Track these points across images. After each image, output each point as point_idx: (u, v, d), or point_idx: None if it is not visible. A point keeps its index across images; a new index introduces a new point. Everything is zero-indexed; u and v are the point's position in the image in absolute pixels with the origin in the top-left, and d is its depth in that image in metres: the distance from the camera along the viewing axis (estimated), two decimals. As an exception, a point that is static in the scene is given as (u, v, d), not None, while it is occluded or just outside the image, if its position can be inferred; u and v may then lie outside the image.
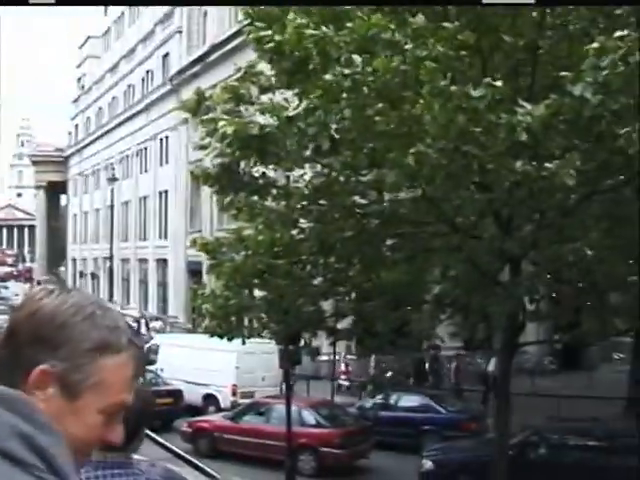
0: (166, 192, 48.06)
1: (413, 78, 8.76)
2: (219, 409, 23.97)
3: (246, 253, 13.03)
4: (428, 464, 16.92)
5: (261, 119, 11.42)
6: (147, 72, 54.16)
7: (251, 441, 19.70)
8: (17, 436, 1.16)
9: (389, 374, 27.70)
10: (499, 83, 8.46)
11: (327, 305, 15.19)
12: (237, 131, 10.48)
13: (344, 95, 9.10)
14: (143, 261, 52.37)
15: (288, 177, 13.83)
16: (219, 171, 12.49)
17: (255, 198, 12.93)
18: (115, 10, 64.97)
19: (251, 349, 22.39)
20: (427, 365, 27.13)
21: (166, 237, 47.61)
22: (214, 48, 40.73)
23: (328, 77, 9.04)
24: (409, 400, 21.69)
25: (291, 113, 10.05)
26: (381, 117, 9.03)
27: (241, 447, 19.85)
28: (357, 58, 8.96)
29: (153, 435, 18.88)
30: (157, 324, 38.29)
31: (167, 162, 48.24)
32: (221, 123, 10.88)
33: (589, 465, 15.09)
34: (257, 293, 13.99)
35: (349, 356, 28.68)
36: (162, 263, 48.51)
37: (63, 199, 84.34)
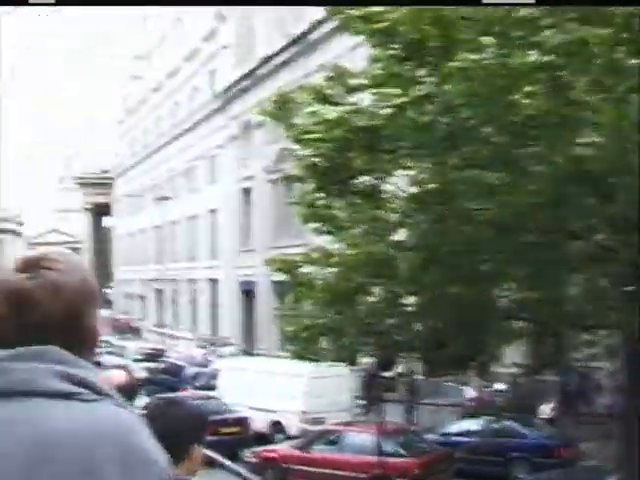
0: (216, 211, 46.98)
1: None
2: (287, 437, 22.63)
3: (334, 269, 11.73)
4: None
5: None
6: (194, 89, 53.37)
7: (322, 472, 18.33)
8: (56, 376, 1.42)
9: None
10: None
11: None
12: (342, 119, 9.16)
13: (471, 82, 7.79)
14: (193, 281, 51.28)
15: (392, 179, 12.45)
16: (320, 166, 11.11)
17: (355, 201, 11.51)
18: (158, 30, 64.52)
19: (321, 372, 21.09)
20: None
21: (217, 257, 46.46)
22: (262, 62, 39.70)
23: (457, 62, 7.73)
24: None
25: (401, 101, 8.74)
26: (531, 100, 7.63)
27: (311, 478, 18.52)
28: (487, 40, 7.66)
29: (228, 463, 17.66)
30: (228, 349, 36.60)
31: (216, 180, 47.19)
32: (324, 112, 9.55)
33: None
34: (344, 313, 12.68)
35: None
36: (213, 283, 47.36)
37: (109, 220, 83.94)
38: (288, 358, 30.33)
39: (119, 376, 4.44)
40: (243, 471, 18.00)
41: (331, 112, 9.36)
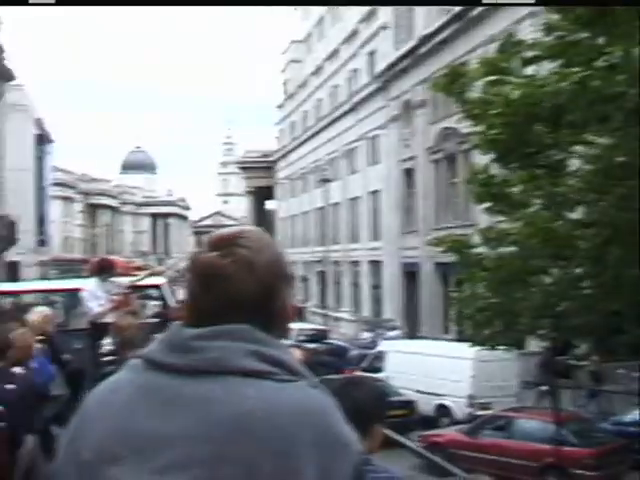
0: (377, 192, 46.87)
1: None
2: (453, 421, 22.25)
3: (510, 249, 11.26)
4: None
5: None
6: (353, 71, 53.37)
7: (491, 459, 17.83)
8: (249, 355, 1.43)
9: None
10: None
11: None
12: (526, 95, 8.70)
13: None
14: (355, 263, 51.45)
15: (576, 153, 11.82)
16: (500, 142, 10.65)
17: (537, 175, 10.94)
18: (316, 13, 64.96)
19: (488, 356, 20.48)
20: None
21: (379, 238, 46.37)
22: (423, 41, 39.05)
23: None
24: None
25: (583, 74, 8.20)
26: None
27: (479, 464, 17.95)
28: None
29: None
30: (394, 333, 36.36)
31: (377, 161, 47.05)
32: (507, 87, 9.11)
33: None
34: (519, 295, 12.16)
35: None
36: (375, 265, 47.31)
37: (271, 204, 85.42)
38: (452, 341, 29.99)
39: (295, 354, 4.27)
40: (424, 452, 17.72)
41: (512, 87, 8.88)
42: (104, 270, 11.02)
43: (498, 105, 9.70)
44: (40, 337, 8.97)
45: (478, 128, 10.75)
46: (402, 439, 8.68)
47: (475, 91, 10.60)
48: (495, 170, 11.95)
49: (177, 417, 1.39)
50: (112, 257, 54.49)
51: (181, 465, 1.36)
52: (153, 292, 15.77)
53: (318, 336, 37.96)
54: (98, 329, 9.92)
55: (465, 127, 33.83)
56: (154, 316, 12.16)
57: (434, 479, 17.23)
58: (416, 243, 39.44)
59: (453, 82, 11.82)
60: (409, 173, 41.50)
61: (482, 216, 32.36)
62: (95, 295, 10.54)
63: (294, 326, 40.92)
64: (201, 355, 1.42)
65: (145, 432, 1.39)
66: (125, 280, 13.25)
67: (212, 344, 1.43)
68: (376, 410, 2.84)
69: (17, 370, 7.00)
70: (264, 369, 1.44)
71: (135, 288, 18.19)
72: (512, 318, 12.23)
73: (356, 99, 50.37)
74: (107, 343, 8.85)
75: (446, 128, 36.44)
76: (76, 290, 13.65)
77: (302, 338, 36.40)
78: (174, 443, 1.37)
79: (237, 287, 1.49)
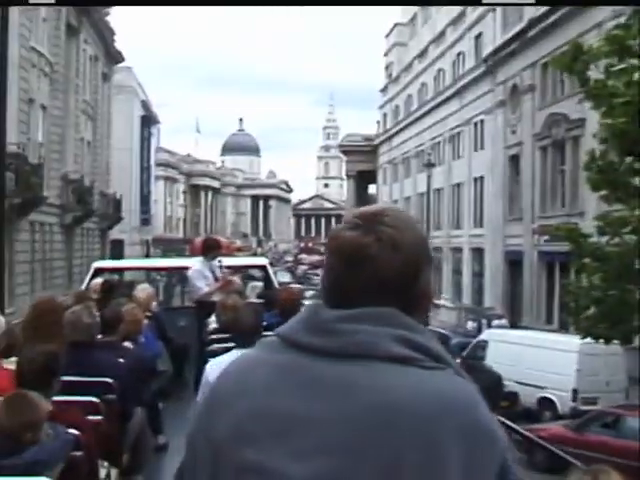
0: (481, 178, 45.96)
1: None
2: (556, 415, 21.57)
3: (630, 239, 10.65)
4: None
5: None
6: (458, 55, 52.41)
7: (598, 457, 17.11)
8: (396, 340, 1.38)
9: None
10: None
11: None
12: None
13: None
14: (456, 250, 50.69)
15: None
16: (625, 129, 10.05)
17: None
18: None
19: (594, 349, 19.74)
20: None
21: (482, 225, 45.49)
22: (532, 24, 37.88)
23: None
24: None
25: None
26: None
27: (585, 462, 17.30)
28: None
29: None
30: (500, 322, 35.54)
31: (482, 147, 46.12)
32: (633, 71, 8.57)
33: None
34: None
35: None
36: (477, 252, 46.48)
37: (371, 188, 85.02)
38: (554, 332, 29.15)
39: None
40: (543, 442, 17.15)
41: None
42: (210, 249, 11.12)
43: (624, 93, 9.12)
44: (146, 313, 9.29)
45: (599, 111, 10.14)
46: (518, 428, 8.29)
47: (598, 70, 10.01)
48: (613, 157, 11.36)
49: (318, 400, 1.33)
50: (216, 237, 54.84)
51: (322, 450, 1.30)
52: (257, 272, 16.08)
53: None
54: (204, 308, 10.10)
55: (575, 113, 33.17)
56: (259, 297, 12.05)
57: (535, 473, 16.79)
58: (520, 231, 38.57)
59: (575, 59, 11.26)
60: (515, 159, 40.51)
61: (590, 204, 31.45)
62: (202, 274, 10.67)
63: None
64: (345, 338, 1.36)
65: (283, 413, 1.34)
66: (230, 260, 14.00)
67: (357, 327, 1.37)
68: (494, 397, 2.58)
69: (127, 344, 7.25)
70: (410, 355, 1.39)
71: (240, 268, 18.84)
72: (627, 311, 11.64)
73: (461, 83, 49.44)
74: (212, 321, 9.11)
75: (554, 114, 35.39)
76: (181, 269, 14.39)
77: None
78: (314, 426, 1.32)
79: (382, 268, 1.43)
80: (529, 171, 38.08)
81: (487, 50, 44.41)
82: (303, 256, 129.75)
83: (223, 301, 8.50)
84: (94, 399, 5.30)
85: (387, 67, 77.75)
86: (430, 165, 43.94)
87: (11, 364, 5.22)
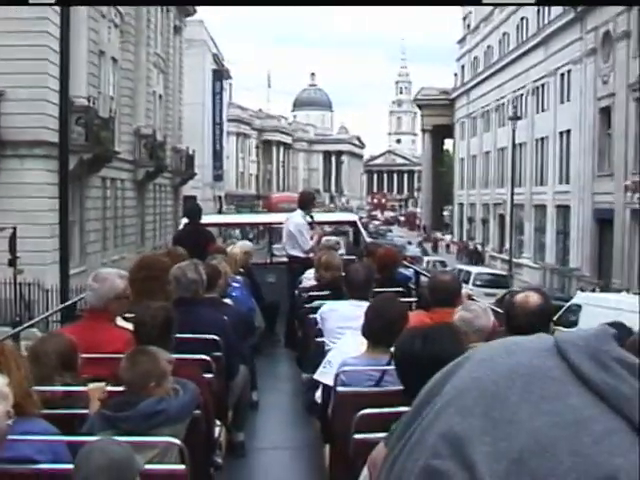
0: (568, 132, 43.63)
1: None
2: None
3: None
4: None
5: None
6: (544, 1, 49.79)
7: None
8: None
9: None
10: None
11: None
12: None
13: None
14: (540, 207, 48.57)
15: None
16: None
17: None
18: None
19: None
20: None
21: (568, 182, 43.29)
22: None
23: None
24: None
25: None
26: None
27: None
28: None
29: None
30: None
31: (569, 100, 43.73)
32: None
33: None
34: None
35: None
36: (563, 210, 44.33)
37: (447, 143, 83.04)
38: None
39: None
40: None
41: None
42: (308, 203, 10.97)
43: None
44: (241, 270, 9.37)
45: None
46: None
47: None
48: None
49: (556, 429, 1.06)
50: (287, 194, 53.63)
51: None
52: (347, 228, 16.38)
53: (497, 282, 35.99)
54: (301, 264, 10.14)
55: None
56: (349, 253, 11.94)
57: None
58: (611, 188, 36.40)
59: None
60: (605, 111, 38.19)
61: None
62: (305, 227, 10.59)
63: (471, 269, 39.09)
64: (609, 378, 1.08)
65: (515, 416, 1.08)
66: (321, 216, 13.85)
67: (630, 379, 1.08)
68: None
69: (227, 301, 7.26)
70: None
71: (332, 224, 18.70)
72: None
73: (547, 32, 46.91)
74: (306, 278, 9.20)
75: (653, 62, 33.07)
76: (271, 224, 14.69)
77: (479, 283, 34.63)
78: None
79: None
80: (622, 124, 35.77)
81: (576, -4, 41.85)
82: (377, 213, 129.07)
83: (329, 259, 8.19)
84: (205, 357, 5.24)
85: (465, 18, 75.07)
86: (516, 118, 41.90)
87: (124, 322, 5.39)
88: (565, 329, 22.01)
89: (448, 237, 71.29)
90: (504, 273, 41.39)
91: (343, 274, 7.28)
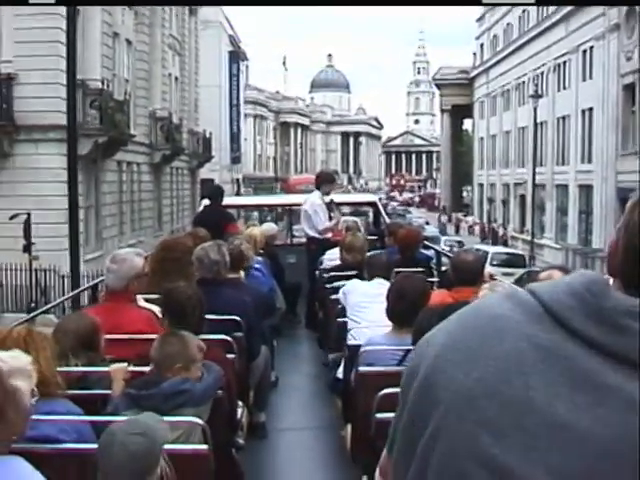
0: (590, 110, 42.83)
1: None
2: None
3: None
4: None
5: None
6: (565, -23, 48.94)
7: None
8: None
9: None
10: None
11: None
12: None
13: None
14: (562, 187, 47.84)
15: None
16: None
17: None
18: None
19: None
20: None
21: (590, 161, 42.56)
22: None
23: None
24: None
25: None
26: None
27: None
28: None
29: None
30: None
31: (591, 77, 42.91)
32: None
33: None
34: None
35: None
36: (585, 189, 43.60)
37: (467, 123, 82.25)
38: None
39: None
40: None
41: None
42: (324, 184, 10.79)
43: None
44: (262, 251, 9.36)
45: None
46: None
47: None
48: None
49: (593, 408, 0.98)
50: (306, 176, 53.44)
51: (587, 475, 0.96)
52: (367, 209, 16.56)
53: (514, 261, 35.66)
54: (319, 244, 10.17)
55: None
56: (370, 233, 11.89)
57: None
58: (635, 167, 35.67)
59: None
60: (630, 89, 37.41)
61: None
62: (321, 208, 10.46)
63: (489, 248, 38.64)
64: (629, 340, 1.00)
65: (541, 410, 1.00)
66: (341, 197, 13.92)
67: None
68: None
69: (248, 283, 7.19)
70: None
71: (351, 205, 18.99)
72: None
73: (568, 8, 46.00)
74: (327, 259, 9.19)
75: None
76: (291, 206, 14.70)
77: (496, 263, 34.20)
78: (586, 440, 0.97)
79: None
80: (646, 101, 35.07)
81: (599, -29, 41.00)
82: (395, 194, 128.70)
83: (352, 241, 8.19)
84: (227, 337, 5.27)
85: (484, -5, 74.04)
86: (537, 96, 41.17)
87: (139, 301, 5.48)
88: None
89: (470, 218, 70.56)
90: (521, 252, 41.02)
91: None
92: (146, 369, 4.09)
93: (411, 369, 1.18)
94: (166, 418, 3.52)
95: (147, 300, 5.52)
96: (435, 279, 7.70)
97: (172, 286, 4.96)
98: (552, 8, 49.81)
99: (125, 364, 4.24)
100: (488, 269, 6.92)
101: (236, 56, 69.32)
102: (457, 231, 66.73)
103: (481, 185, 71.37)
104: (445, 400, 1.07)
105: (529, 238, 45.89)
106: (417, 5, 59.13)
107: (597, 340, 1.02)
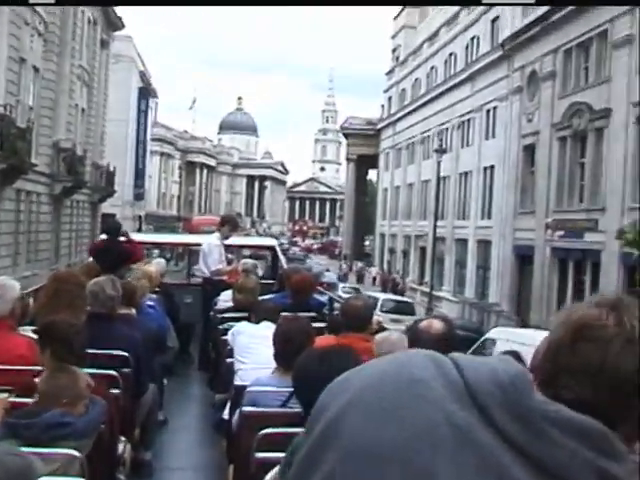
0: (492, 167, 43.98)
1: None
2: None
3: None
4: None
5: None
6: (472, 39, 50.34)
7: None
8: (592, 473, 1.07)
9: None
10: None
11: None
12: None
13: None
14: (461, 241, 48.79)
15: None
16: None
17: None
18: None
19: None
20: None
21: (490, 217, 43.58)
22: (554, 9, 35.75)
23: None
24: None
25: None
26: None
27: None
28: None
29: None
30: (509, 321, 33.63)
31: (494, 136, 44.14)
32: None
33: None
34: None
35: None
36: (484, 245, 44.57)
37: (371, 173, 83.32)
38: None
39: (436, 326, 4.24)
40: None
41: None
42: (228, 227, 11.07)
43: None
44: (156, 288, 9.39)
45: None
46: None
47: None
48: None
49: None
50: (209, 217, 53.06)
51: None
52: (265, 253, 16.82)
53: (403, 308, 36.30)
54: (211, 285, 10.34)
55: (600, 102, 31.33)
56: (264, 277, 12.21)
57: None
58: (532, 225, 36.70)
59: None
60: (529, 149, 38.58)
61: (613, 200, 29.70)
62: (218, 250, 10.70)
63: (379, 295, 39.13)
64: (543, 446, 1.03)
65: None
66: (240, 240, 14.38)
67: (563, 441, 1.03)
68: None
69: (139, 319, 7.18)
70: None
71: (250, 248, 19.17)
72: None
73: (474, 68, 47.41)
74: (222, 300, 9.24)
75: (577, 103, 33.48)
76: (191, 245, 14.66)
77: (385, 309, 34.61)
78: None
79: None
80: (545, 162, 36.18)
81: (504, 34, 42.33)
82: (298, 239, 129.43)
83: (244, 282, 8.52)
84: (113, 372, 5.25)
85: (394, 50, 75.67)
86: (441, 151, 42.06)
87: (26, 332, 5.36)
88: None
89: (374, 269, 71.07)
90: (410, 300, 41.88)
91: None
92: (29, 400, 4.01)
93: (322, 403, 1.15)
94: (43, 450, 3.43)
95: (34, 331, 5.34)
96: (325, 324, 7.77)
97: (56, 317, 4.88)
98: (459, 67, 51.30)
99: (6, 395, 4.17)
100: (377, 316, 7.06)
101: (146, 92, 68.87)
102: (360, 280, 67.15)
103: (383, 235, 72.15)
104: (348, 448, 1.05)
105: (428, 290, 46.56)
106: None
107: (512, 436, 1.02)
